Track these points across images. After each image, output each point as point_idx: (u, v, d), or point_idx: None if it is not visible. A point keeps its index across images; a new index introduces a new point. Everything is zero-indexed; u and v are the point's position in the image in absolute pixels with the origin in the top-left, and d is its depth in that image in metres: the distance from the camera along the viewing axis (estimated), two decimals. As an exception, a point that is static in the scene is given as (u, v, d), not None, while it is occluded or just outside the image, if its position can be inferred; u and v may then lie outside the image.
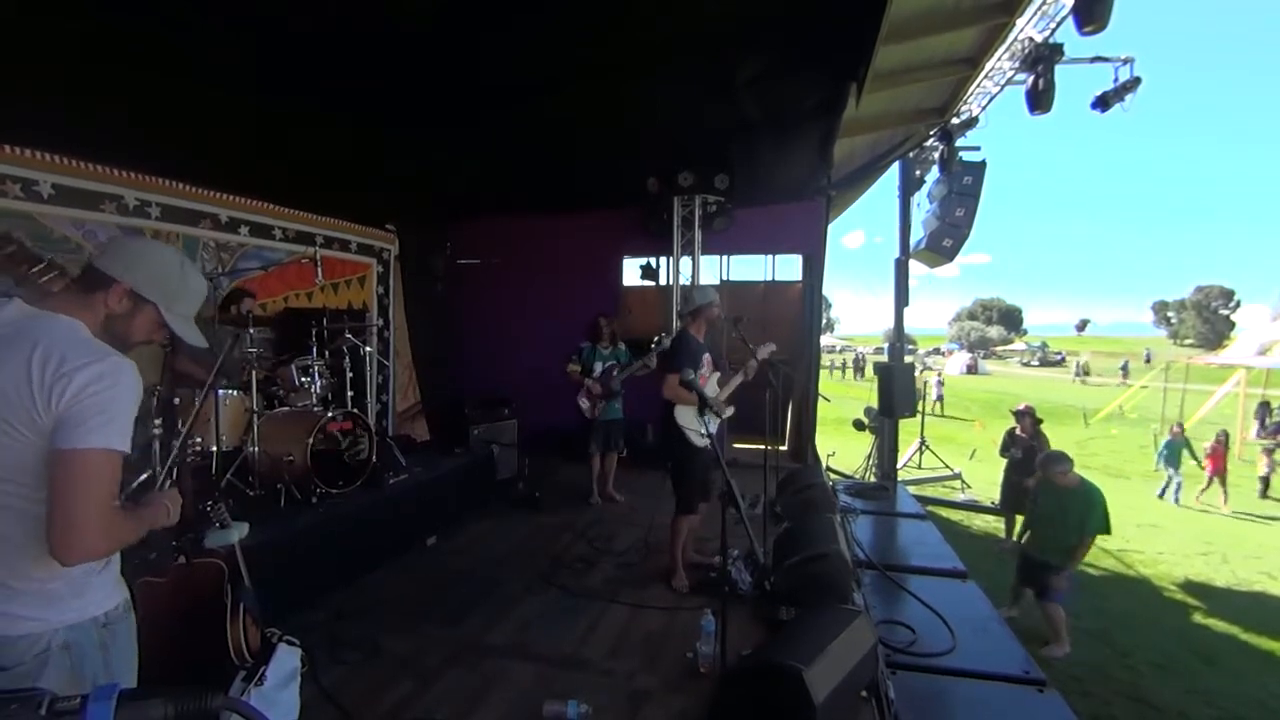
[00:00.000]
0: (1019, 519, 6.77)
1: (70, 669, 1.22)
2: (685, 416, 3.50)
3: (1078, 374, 27.68)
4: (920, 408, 9.44)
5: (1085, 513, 4.44)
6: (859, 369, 32.37)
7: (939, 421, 16.70)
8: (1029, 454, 6.51)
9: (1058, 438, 7.04)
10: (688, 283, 6.36)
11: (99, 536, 1.18)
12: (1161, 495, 10.47)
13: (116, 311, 1.30)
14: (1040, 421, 7.00)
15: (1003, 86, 5.94)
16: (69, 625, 1.22)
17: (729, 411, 3.70)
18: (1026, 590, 4.87)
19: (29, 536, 1.17)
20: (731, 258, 7.10)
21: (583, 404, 5.09)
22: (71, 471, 1.15)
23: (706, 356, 3.61)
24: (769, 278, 7.21)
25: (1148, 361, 29.38)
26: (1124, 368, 22.31)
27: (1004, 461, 7.24)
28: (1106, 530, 4.49)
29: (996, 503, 8.04)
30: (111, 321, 1.31)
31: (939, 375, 22.23)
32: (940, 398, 19.65)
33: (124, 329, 1.33)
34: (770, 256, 7.16)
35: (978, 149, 6.69)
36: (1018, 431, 7.04)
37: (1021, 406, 7.16)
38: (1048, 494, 4.69)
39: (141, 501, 1.39)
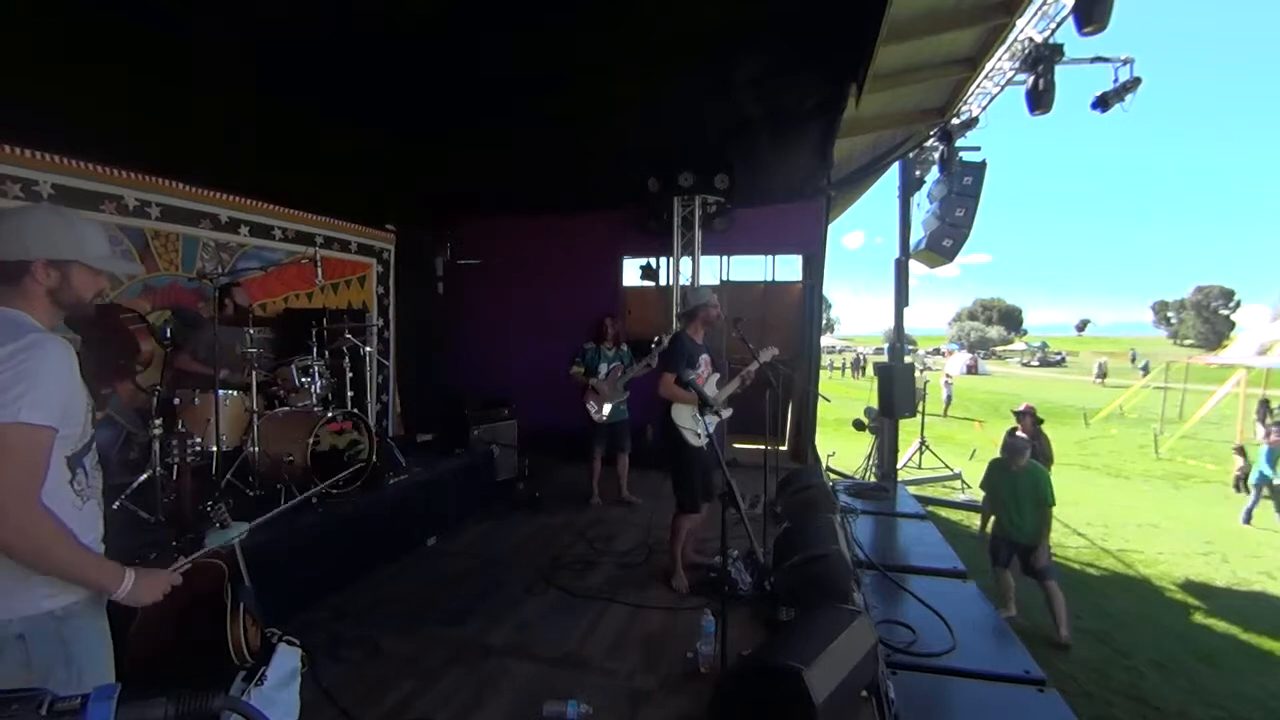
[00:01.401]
0: None
1: (25, 661, 1.21)
2: (681, 416, 3.51)
3: (1099, 375, 26.94)
4: (922, 408, 9.42)
5: (1039, 487, 4.85)
6: (858, 367, 32.44)
7: (940, 421, 16.70)
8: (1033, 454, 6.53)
9: (1058, 438, 7.05)
10: (687, 283, 6.37)
11: (6, 516, 1.14)
12: (1248, 519, 8.71)
13: (51, 285, 1.31)
14: (1041, 421, 7.00)
15: (1003, 87, 5.93)
16: (21, 616, 1.20)
17: (728, 412, 3.70)
18: (1009, 580, 5.03)
19: None
20: (731, 258, 7.10)
21: (590, 407, 5.05)
22: None
23: (705, 357, 3.61)
24: (769, 278, 7.22)
25: (1133, 362, 29.12)
26: (1145, 368, 21.94)
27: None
28: (1053, 500, 4.89)
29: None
30: (55, 295, 1.32)
31: (947, 376, 22.07)
32: (950, 398, 19.61)
33: (70, 295, 1.34)
34: (770, 256, 7.16)
35: (978, 149, 6.70)
36: (1018, 432, 7.03)
37: (1022, 407, 7.16)
38: (1006, 480, 5.05)
39: (101, 558, 1.32)
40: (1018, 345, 57.97)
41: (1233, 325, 54.31)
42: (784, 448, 6.56)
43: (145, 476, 3.35)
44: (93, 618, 1.34)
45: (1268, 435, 9.41)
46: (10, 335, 1.21)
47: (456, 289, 7.21)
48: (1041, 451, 6.57)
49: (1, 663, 1.19)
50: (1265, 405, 14.82)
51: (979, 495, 9.09)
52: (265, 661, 2.17)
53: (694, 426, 3.49)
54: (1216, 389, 15.46)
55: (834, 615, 2.49)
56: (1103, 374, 27.55)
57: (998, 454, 5.37)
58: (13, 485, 1.15)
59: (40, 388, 1.18)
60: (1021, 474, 4.97)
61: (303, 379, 4.10)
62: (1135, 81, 5.40)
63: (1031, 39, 5.28)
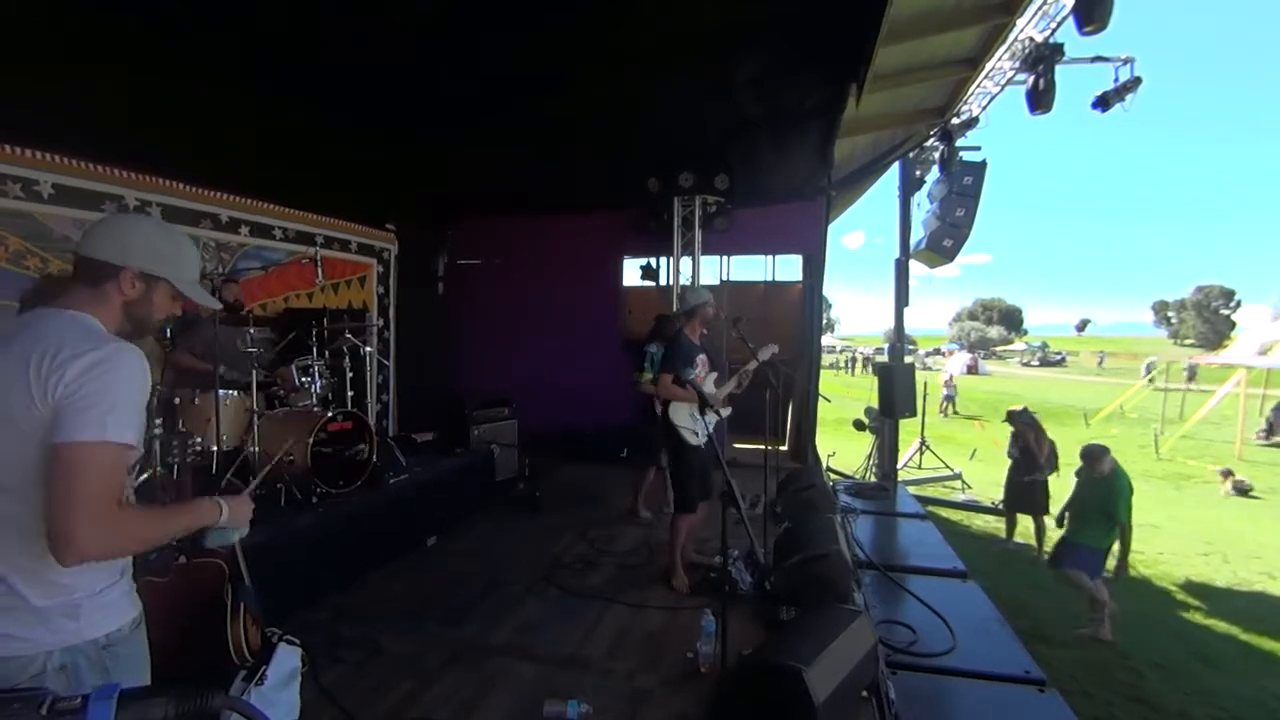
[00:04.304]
0: (1020, 518, 6.84)
1: (68, 691, 1.13)
2: (679, 415, 3.51)
3: (1145, 377, 24.64)
4: (923, 407, 9.42)
5: (1109, 500, 4.74)
6: (857, 363, 32.51)
7: (941, 421, 16.69)
8: (1026, 454, 6.57)
9: (1059, 438, 7.04)
10: (687, 283, 6.36)
11: (95, 537, 1.08)
12: None
13: (132, 297, 1.25)
14: (1033, 425, 6.99)
15: (1003, 86, 5.93)
16: (64, 647, 1.15)
17: (726, 411, 3.70)
18: (1093, 588, 4.95)
19: (21, 551, 1.12)
20: (731, 258, 7.10)
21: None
22: (63, 465, 1.08)
23: (702, 357, 3.61)
24: (769, 278, 7.22)
25: (1100, 365, 27.74)
26: (1191, 370, 20.95)
27: (1006, 462, 7.24)
28: (1130, 515, 4.73)
29: (996, 502, 8.07)
30: (131, 308, 1.27)
31: (950, 376, 21.88)
32: (948, 398, 19.50)
33: (144, 311, 1.29)
34: (770, 256, 7.16)
35: (978, 149, 6.70)
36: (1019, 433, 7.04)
37: (1017, 409, 7.20)
38: (1084, 484, 4.99)
39: (187, 503, 1.32)
40: (1018, 345, 57.92)
41: (1233, 325, 54.31)
42: (784, 448, 6.56)
43: (145, 476, 3.35)
44: (135, 641, 1.31)
45: None
46: (90, 341, 1.14)
47: (457, 289, 7.22)
48: (1035, 451, 6.58)
49: None
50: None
51: (979, 495, 9.16)
52: (265, 661, 2.17)
53: (692, 426, 3.49)
54: (1217, 389, 15.45)
55: (834, 615, 2.49)
56: (1150, 375, 25.40)
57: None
58: (94, 499, 1.09)
59: (123, 404, 1.13)
60: (1101, 482, 4.87)
61: (303, 379, 4.10)
62: (1136, 81, 5.40)
63: (1032, 38, 5.28)
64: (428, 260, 6.93)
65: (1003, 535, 7.18)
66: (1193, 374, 19.97)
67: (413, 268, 6.82)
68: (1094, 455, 4.99)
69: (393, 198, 6.34)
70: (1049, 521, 6.24)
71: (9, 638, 1.12)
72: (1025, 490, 6.57)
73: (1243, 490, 10.23)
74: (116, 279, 1.23)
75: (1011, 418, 7.01)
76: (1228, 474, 10.57)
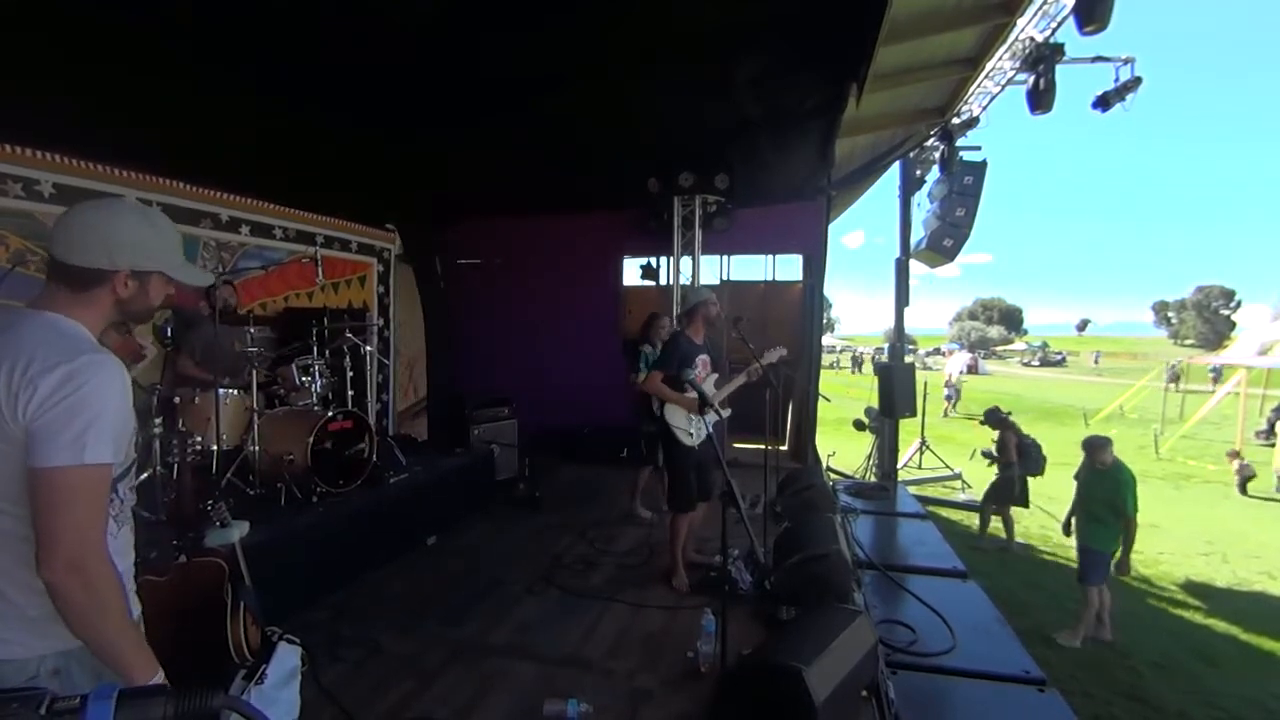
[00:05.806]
0: (995, 517, 6.99)
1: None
2: (675, 416, 3.51)
3: (1170, 380, 23.03)
4: (923, 407, 9.42)
5: (1118, 493, 4.69)
6: (857, 365, 32.55)
7: (941, 421, 16.68)
8: (1001, 452, 6.78)
9: (1059, 438, 7.05)
10: (687, 283, 6.36)
11: (73, 561, 1.04)
12: None
13: (126, 296, 1.20)
14: (1004, 423, 7.02)
15: (1003, 86, 5.93)
16: (58, 651, 1.13)
17: (727, 412, 3.71)
18: (1096, 597, 4.85)
19: (11, 557, 1.09)
20: (732, 258, 7.10)
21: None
22: (44, 490, 1.05)
23: (703, 358, 3.61)
24: (769, 278, 7.22)
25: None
26: (1217, 372, 20.39)
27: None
28: (1136, 508, 4.66)
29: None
30: (126, 304, 1.22)
31: (951, 376, 21.73)
32: (948, 397, 19.45)
33: (141, 305, 1.25)
34: (770, 256, 7.16)
35: (978, 149, 6.70)
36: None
37: (990, 410, 7.25)
38: (1088, 480, 4.96)
39: (145, 648, 1.15)
40: (1018, 345, 57.91)
41: (1233, 325, 54.30)
42: (784, 448, 6.56)
43: (146, 475, 3.35)
44: None
45: None
46: (64, 352, 1.08)
47: (457, 289, 7.22)
48: (1008, 451, 6.63)
49: None
50: None
51: (979, 495, 9.15)
52: (265, 660, 2.17)
53: (686, 426, 3.50)
54: (1217, 389, 15.44)
55: (834, 615, 2.49)
56: (1175, 377, 23.72)
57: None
58: (84, 531, 1.06)
59: (101, 419, 1.08)
60: (1104, 475, 4.82)
61: (303, 378, 4.10)
62: (1136, 81, 5.40)
63: (1032, 38, 5.28)
64: (428, 260, 6.92)
65: (1003, 535, 7.18)
66: (1219, 374, 19.56)
67: (413, 267, 6.82)
68: (1096, 446, 4.93)
69: (393, 198, 6.34)
70: (1053, 530, 6.23)
71: (3, 642, 1.11)
72: (998, 486, 6.78)
73: (1246, 477, 10.21)
74: (109, 283, 1.18)
75: (986, 419, 7.08)
76: (1235, 455, 10.52)
